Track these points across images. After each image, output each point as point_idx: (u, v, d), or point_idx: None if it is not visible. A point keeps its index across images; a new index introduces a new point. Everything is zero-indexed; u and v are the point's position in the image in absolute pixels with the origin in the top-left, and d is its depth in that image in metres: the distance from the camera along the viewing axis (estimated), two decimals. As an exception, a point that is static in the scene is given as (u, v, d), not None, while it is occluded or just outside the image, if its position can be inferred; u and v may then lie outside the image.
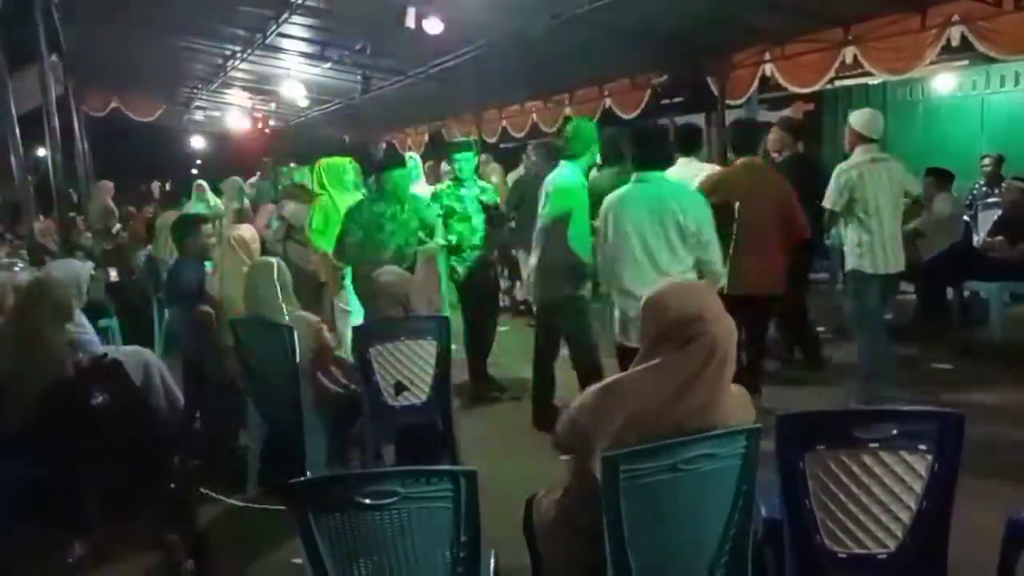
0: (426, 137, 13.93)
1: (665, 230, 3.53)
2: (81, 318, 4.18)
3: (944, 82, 10.46)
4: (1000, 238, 6.42)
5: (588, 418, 2.04)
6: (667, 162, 3.82)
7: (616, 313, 3.81)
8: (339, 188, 5.64)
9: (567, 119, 5.84)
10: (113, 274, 7.00)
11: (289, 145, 14.65)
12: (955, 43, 5.53)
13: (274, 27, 8.05)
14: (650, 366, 2.00)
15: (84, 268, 4.62)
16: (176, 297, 4.63)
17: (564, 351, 4.70)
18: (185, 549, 3.28)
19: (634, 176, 3.68)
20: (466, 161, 5.48)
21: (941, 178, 6.71)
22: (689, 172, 4.75)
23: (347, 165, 5.84)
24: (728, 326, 2.00)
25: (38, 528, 3.52)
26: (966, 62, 8.79)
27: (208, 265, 4.77)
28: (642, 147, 3.71)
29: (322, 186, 5.66)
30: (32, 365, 3.58)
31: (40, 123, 6.30)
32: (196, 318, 4.33)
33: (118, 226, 9.22)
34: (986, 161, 8.31)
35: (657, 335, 2.01)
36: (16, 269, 6.10)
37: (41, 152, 7.43)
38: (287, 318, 3.75)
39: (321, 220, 5.53)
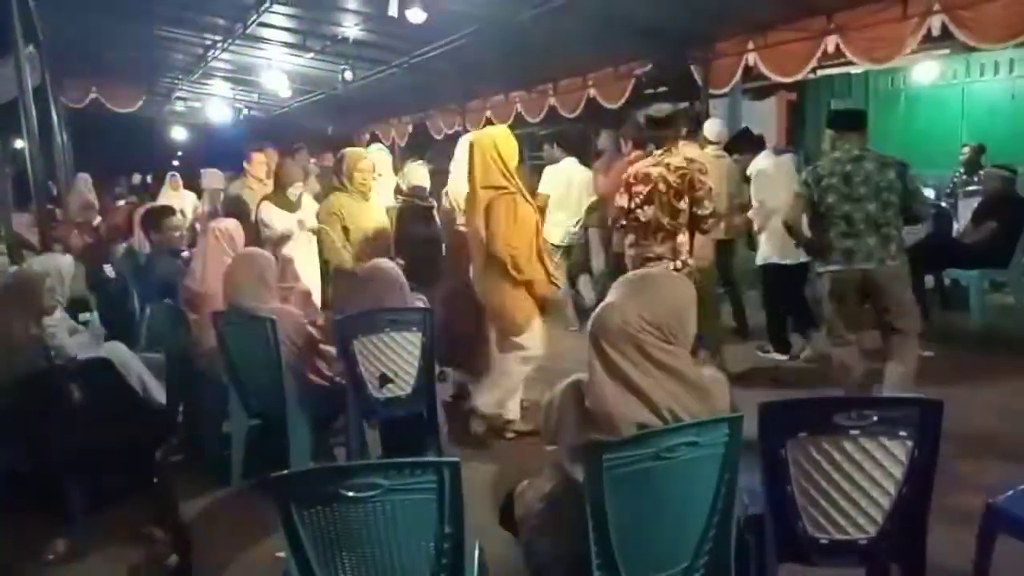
0: (410, 128, 13.85)
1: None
2: (57, 317, 4.10)
3: (926, 71, 10.50)
4: (980, 225, 6.46)
5: (556, 415, 2.10)
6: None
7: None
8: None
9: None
10: (109, 270, 6.87)
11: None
12: (936, 32, 5.55)
13: (255, 16, 7.95)
14: (609, 366, 1.99)
15: (66, 263, 4.55)
16: (151, 291, 4.57)
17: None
18: (169, 543, 3.27)
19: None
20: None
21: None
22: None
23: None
24: (674, 308, 2.01)
25: (21, 522, 3.49)
26: (947, 51, 8.83)
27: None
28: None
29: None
30: (5, 359, 3.54)
31: (17, 115, 6.20)
32: (175, 311, 4.30)
33: (98, 219, 9.09)
34: (965, 149, 8.37)
35: (610, 340, 2.00)
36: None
37: (19, 144, 7.30)
38: (267, 310, 3.70)
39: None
